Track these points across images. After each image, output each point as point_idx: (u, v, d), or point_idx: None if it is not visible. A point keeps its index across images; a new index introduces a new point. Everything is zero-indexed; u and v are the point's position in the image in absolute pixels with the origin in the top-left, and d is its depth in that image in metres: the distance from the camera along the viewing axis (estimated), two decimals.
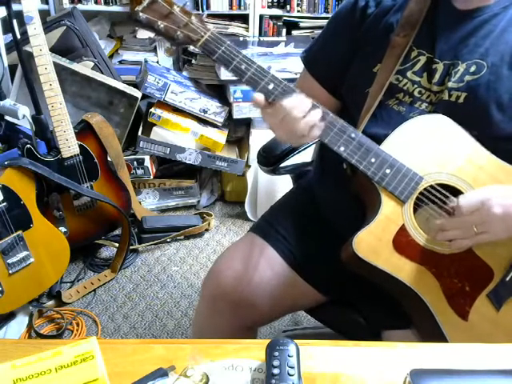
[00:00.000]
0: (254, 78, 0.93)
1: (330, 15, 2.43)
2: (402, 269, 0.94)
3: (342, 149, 0.95)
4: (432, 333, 0.96)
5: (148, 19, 0.91)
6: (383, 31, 1.03)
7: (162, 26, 0.92)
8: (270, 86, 0.93)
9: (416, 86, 1.01)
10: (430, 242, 0.95)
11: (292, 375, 0.67)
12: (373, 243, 0.94)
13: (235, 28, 2.45)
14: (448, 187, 0.95)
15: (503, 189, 0.92)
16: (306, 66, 1.17)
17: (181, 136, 2.22)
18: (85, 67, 2.16)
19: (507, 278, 0.94)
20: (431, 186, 0.96)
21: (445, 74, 0.99)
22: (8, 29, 1.78)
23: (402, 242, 0.94)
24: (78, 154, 1.78)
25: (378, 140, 0.97)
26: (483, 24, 0.98)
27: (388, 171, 0.95)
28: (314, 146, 1.39)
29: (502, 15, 0.97)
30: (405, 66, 1.02)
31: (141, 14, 0.91)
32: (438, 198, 0.95)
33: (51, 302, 1.86)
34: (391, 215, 0.95)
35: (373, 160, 0.95)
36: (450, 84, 0.98)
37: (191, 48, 2.35)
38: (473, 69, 0.97)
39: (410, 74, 1.02)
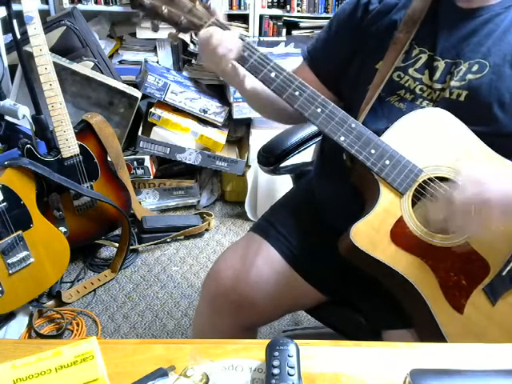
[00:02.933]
0: (256, 65, 0.94)
1: (330, 15, 2.43)
2: (399, 260, 0.93)
3: (342, 139, 0.96)
4: (429, 328, 0.96)
5: (152, 4, 0.91)
6: (386, 28, 1.04)
7: (165, 10, 0.91)
8: (272, 74, 0.94)
9: (418, 83, 1.01)
10: (427, 234, 0.94)
11: (292, 375, 0.67)
12: (370, 234, 0.93)
13: (235, 28, 2.45)
14: (447, 181, 0.95)
15: (501, 182, 0.88)
16: (308, 64, 1.17)
17: (181, 136, 2.22)
18: (85, 67, 2.16)
19: (503, 273, 0.94)
20: (430, 179, 0.95)
21: (447, 72, 0.99)
22: (8, 29, 1.78)
23: (399, 234, 0.94)
24: (77, 154, 1.78)
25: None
26: (485, 23, 0.98)
27: (387, 162, 0.95)
28: (314, 146, 1.39)
29: (504, 15, 0.98)
30: (406, 63, 1.02)
31: None
32: (437, 190, 0.95)
33: (51, 302, 1.86)
34: (389, 207, 0.95)
35: (372, 151, 0.95)
36: (452, 83, 0.98)
37: (191, 48, 2.35)
38: (475, 68, 0.97)
39: (412, 71, 1.02)
